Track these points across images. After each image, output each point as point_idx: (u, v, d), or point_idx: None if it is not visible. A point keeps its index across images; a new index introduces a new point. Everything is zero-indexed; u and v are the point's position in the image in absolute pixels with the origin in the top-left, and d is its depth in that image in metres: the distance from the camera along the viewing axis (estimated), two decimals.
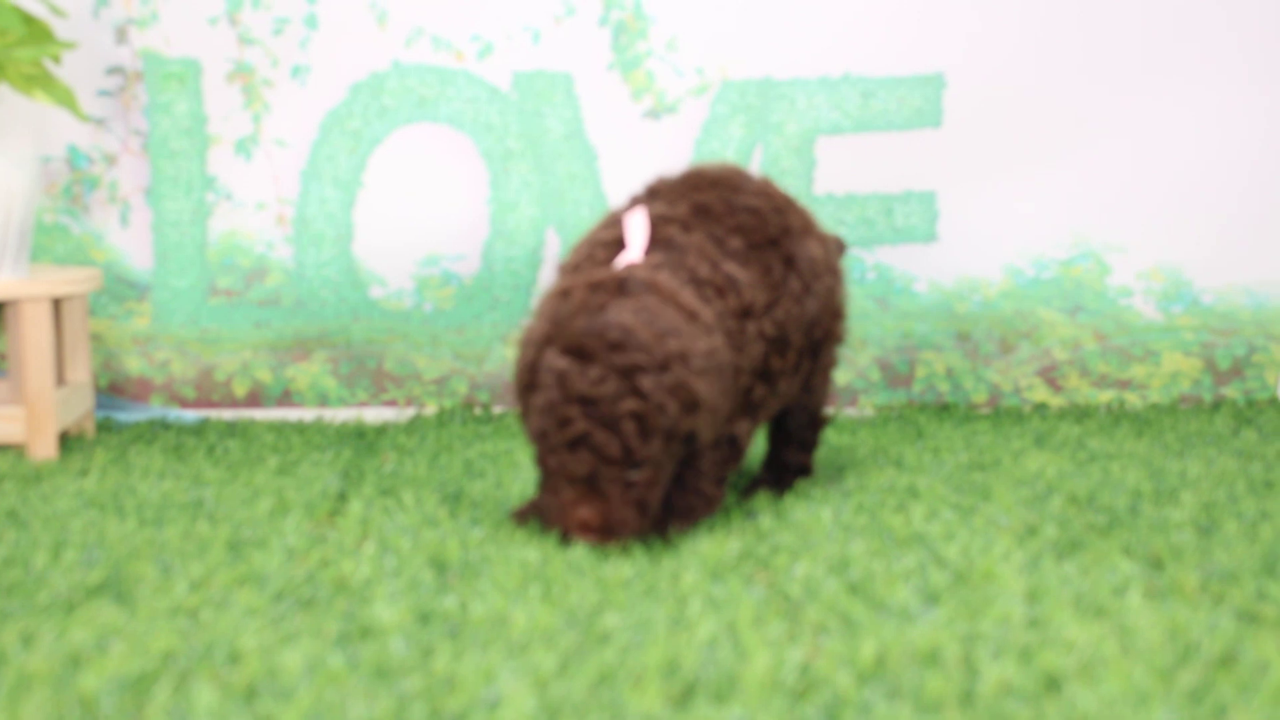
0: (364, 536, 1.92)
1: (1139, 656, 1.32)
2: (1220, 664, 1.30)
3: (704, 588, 1.61)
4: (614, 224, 2.04)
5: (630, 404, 1.75)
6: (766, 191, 2.14)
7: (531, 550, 1.80)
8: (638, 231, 1.96)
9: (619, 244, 1.98)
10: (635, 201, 2.11)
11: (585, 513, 1.80)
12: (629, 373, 1.76)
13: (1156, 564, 1.71)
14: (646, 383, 1.75)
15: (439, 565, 1.75)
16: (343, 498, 2.19)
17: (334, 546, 1.85)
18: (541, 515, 1.89)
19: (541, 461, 1.82)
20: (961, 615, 1.47)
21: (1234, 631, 1.39)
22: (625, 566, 1.71)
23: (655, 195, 2.11)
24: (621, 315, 1.78)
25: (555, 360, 1.78)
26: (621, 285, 1.84)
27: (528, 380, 1.82)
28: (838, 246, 2.40)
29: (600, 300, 1.81)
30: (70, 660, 1.36)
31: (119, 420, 2.97)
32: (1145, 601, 1.52)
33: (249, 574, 1.69)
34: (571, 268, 2.00)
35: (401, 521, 1.99)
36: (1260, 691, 1.24)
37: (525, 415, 1.84)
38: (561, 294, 1.85)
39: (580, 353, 1.78)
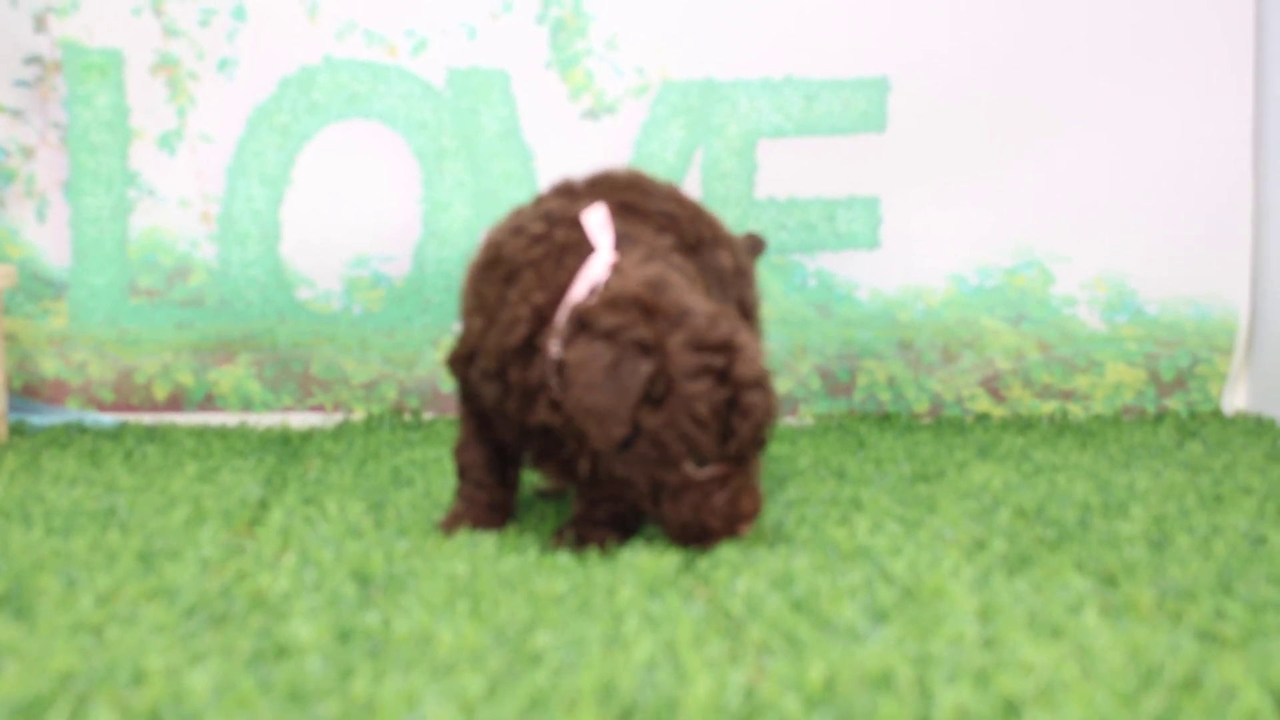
0: (284, 547, 1.82)
1: (1100, 680, 1.25)
2: (1184, 687, 1.24)
3: (641, 604, 1.53)
4: (545, 216, 1.92)
5: (773, 393, 1.78)
6: (676, 197, 2.07)
7: (460, 563, 1.71)
8: (602, 229, 1.87)
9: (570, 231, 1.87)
10: (546, 200, 2.00)
11: (752, 502, 1.77)
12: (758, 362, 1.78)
13: (1110, 580, 1.64)
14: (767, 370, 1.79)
15: (362, 579, 1.66)
16: (263, 506, 2.09)
17: (252, 558, 1.76)
18: (617, 527, 1.84)
19: (706, 459, 1.74)
20: (912, 635, 1.40)
21: (1196, 653, 1.33)
22: (558, 580, 1.63)
23: (574, 195, 2.00)
24: (721, 315, 1.78)
25: (711, 359, 1.73)
26: (675, 284, 1.79)
27: (664, 386, 1.73)
28: (755, 246, 2.33)
29: (679, 301, 1.77)
30: None
31: (33, 424, 2.85)
32: (1102, 620, 1.45)
33: (159, 587, 1.59)
34: (528, 263, 1.86)
35: (324, 532, 1.90)
36: (1228, 717, 1.17)
37: (650, 420, 1.73)
38: (643, 306, 1.75)
39: (720, 347, 1.75)
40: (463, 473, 1.97)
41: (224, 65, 2.88)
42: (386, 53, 2.90)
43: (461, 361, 1.94)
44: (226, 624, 1.47)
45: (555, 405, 1.79)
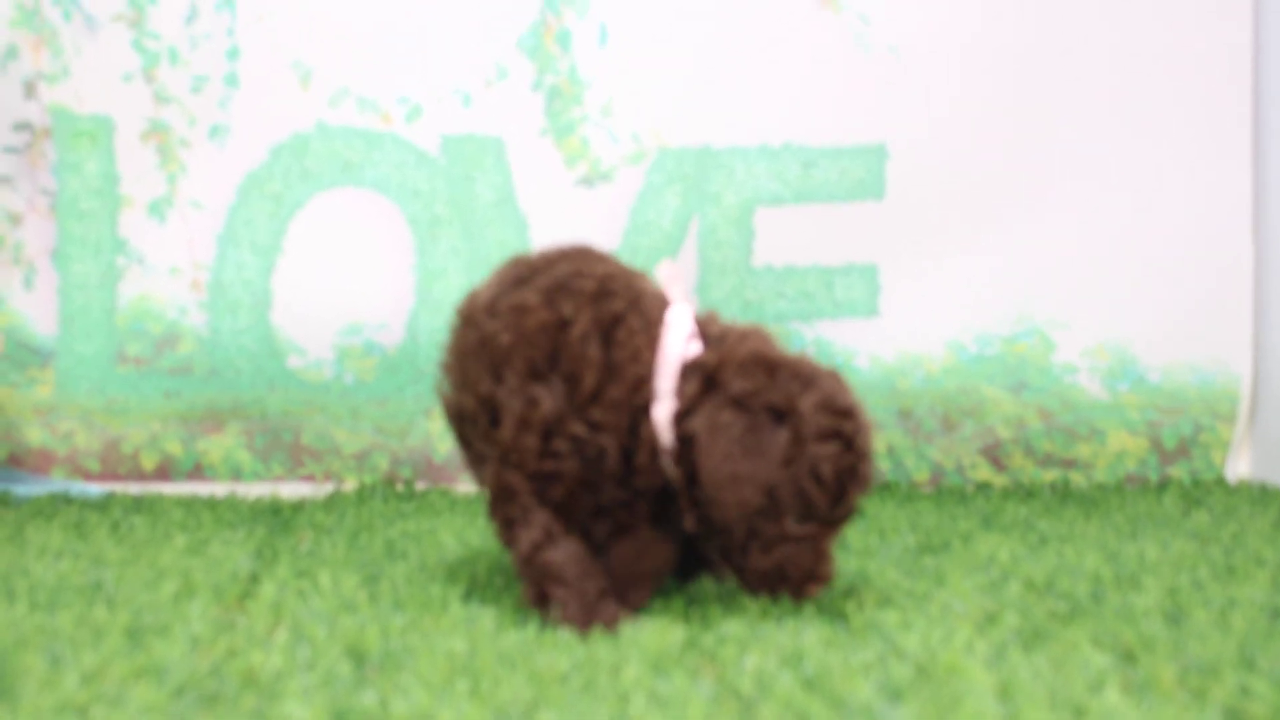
0: (276, 623, 1.77)
1: None
2: None
3: (647, 683, 1.48)
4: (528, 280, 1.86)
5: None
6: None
7: (458, 640, 1.66)
8: (674, 283, 1.84)
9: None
10: (509, 280, 1.89)
11: (829, 567, 1.76)
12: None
13: (1129, 656, 1.60)
14: None
15: (357, 656, 1.61)
16: (254, 580, 2.04)
17: (243, 634, 1.70)
18: (758, 580, 1.76)
19: (812, 517, 1.73)
20: (929, 715, 1.35)
21: None
22: (561, 658, 1.58)
23: (537, 271, 1.91)
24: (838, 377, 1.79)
25: (841, 423, 1.73)
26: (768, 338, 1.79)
27: (793, 451, 1.72)
28: None
29: (791, 359, 1.76)
30: None
31: (17, 494, 2.80)
32: (1125, 698, 1.40)
33: (148, 665, 1.54)
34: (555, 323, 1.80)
35: (317, 606, 1.84)
36: None
37: (782, 483, 1.72)
38: (766, 366, 1.74)
39: (847, 413, 1.75)
40: (557, 575, 1.77)
41: (215, 132, 2.86)
42: (380, 120, 2.88)
43: (542, 436, 1.78)
44: (217, 704, 1.41)
45: (678, 463, 1.75)
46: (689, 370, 1.75)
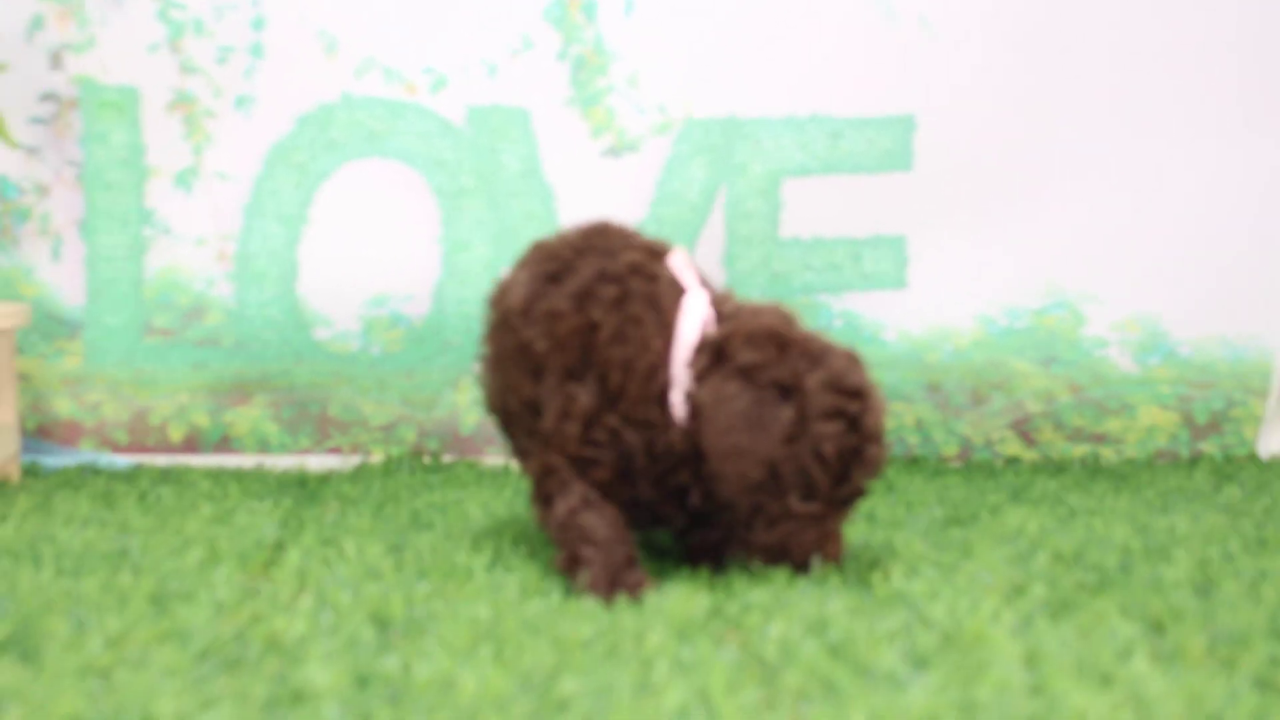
0: (301, 590, 1.77)
1: None
2: None
3: (671, 649, 1.47)
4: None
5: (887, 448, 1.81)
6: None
7: (482, 607, 1.65)
8: (686, 270, 1.90)
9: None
10: (544, 260, 1.97)
11: (836, 548, 1.80)
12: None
13: (1157, 626, 1.58)
14: None
15: (381, 622, 1.60)
16: (279, 548, 2.04)
17: (267, 600, 1.70)
18: (773, 553, 1.80)
19: (814, 496, 1.75)
20: (955, 681, 1.34)
21: (1256, 702, 1.26)
22: (584, 625, 1.57)
23: (581, 251, 1.96)
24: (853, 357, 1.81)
25: (847, 403, 1.74)
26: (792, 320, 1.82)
27: (797, 428, 1.74)
28: None
29: (804, 336, 1.79)
30: None
31: (46, 465, 2.80)
32: (1153, 667, 1.39)
33: (171, 630, 1.54)
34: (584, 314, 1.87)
35: (342, 574, 1.84)
36: None
37: (792, 458, 1.74)
38: (776, 342, 1.77)
39: (855, 393, 1.76)
40: (589, 535, 1.80)
41: (241, 103, 2.85)
42: (405, 90, 2.86)
43: (583, 425, 1.83)
44: (240, 668, 1.41)
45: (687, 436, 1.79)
46: (701, 348, 1.79)
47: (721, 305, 1.85)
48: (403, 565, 1.91)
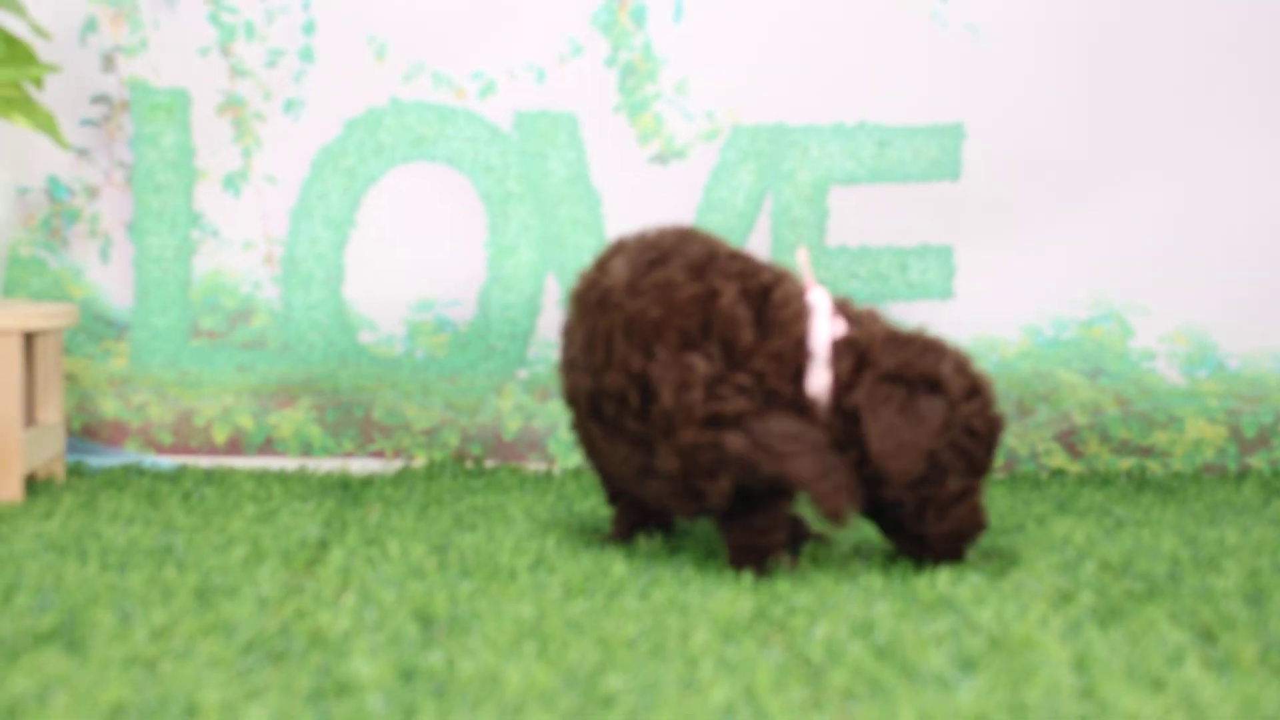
0: (344, 587, 1.77)
1: None
2: None
3: (716, 649, 1.46)
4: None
5: None
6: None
7: (526, 605, 1.65)
8: (808, 268, 2.03)
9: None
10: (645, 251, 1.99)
11: (985, 514, 1.93)
12: None
13: (1208, 634, 1.56)
14: None
15: (424, 619, 1.60)
16: (323, 546, 2.04)
17: (311, 597, 1.70)
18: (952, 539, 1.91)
19: (973, 472, 1.90)
20: (1003, 683, 1.33)
21: None
22: (629, 625, 1.56)
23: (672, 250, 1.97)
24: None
25: (975, 380, 1.90)
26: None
27: (949, 415, 1.86)
28: None
29: (912, 333, 1.92)
30: (5, 711, 1.21)
31: (91, 465, 2.82)
32: (1205, 673, 1.37)
33: (216, 623, 1.54)
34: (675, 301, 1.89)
35: (385, 572, 1.84)
36: None
37: (952, 446, 1.87)
38: (902, 341, 1.89)
39: (975, 371, 1.93)
40: (793, 434, 1.87)
41: (290, 106, 2.86)
42: (454, 95, 2.87)
43: (705, 389, 1.86)
44: (285, 660, 1.41)
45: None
46: (841, 348, 1.87)
47: (844, 307, 1.93)
48: (446, 565, 1.90)
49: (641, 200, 2.85)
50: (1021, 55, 2.85)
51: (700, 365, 1.82)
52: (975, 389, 1.89)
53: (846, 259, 2.87)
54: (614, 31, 2.86)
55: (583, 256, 2.83)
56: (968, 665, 1.41)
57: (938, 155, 2.87)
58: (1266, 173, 2.87)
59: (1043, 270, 2.88)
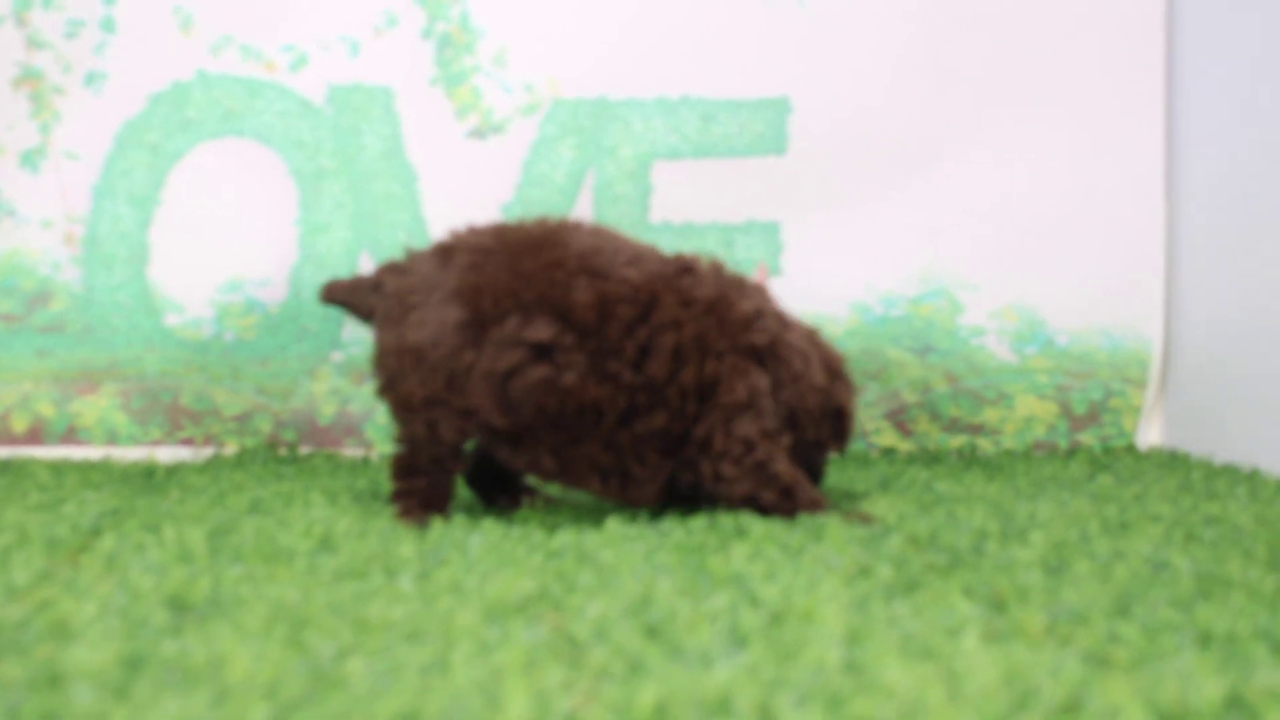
0: (105, 574, 1.66)
1: (968, 702, 1.11)
2: (1062, 711, 1.10)
3: (477, 631, 1.38)
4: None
5: None
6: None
7: (291, 589, 1.56)
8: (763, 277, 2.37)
9: None
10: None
11: None
12: None
13: (999, 605, 1.51)
14: None
15: (177, 606, 1.50)
16: (95, 534, 1.92)
17: (63, 585, 1.59)
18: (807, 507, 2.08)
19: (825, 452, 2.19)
20: (769, 659, 1.26)
21: (1079, 675, 1.19)
22: (396, 608, 1.48)
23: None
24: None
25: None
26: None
27: (823, 402, 2.18)
28: None
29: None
30: None
31: None
32: (982, 644, 1.32)
33: None
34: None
35: (152, 559, 1.73)
36: None
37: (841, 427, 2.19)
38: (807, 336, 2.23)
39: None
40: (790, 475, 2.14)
41: (91, 80, 2.73)
42: (264, 68, 2.76)
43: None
44: (9, 652, 1.31)
45: None
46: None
47: None
48: (220, 549, 1.80)
49: (459, 176, 2.76)
50: (849, 30, 2.80)
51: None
52: (828, 403, 2.19)
53: (671, 235, 2.80)
54: (430, 2, 2.77)
55: (397, 234, 2.73)
56: (738, 642, 1.34)
57: (763, 130, 2.81)
58: (1094, 151, 2.85)
59: (871, 247, 2.84)
